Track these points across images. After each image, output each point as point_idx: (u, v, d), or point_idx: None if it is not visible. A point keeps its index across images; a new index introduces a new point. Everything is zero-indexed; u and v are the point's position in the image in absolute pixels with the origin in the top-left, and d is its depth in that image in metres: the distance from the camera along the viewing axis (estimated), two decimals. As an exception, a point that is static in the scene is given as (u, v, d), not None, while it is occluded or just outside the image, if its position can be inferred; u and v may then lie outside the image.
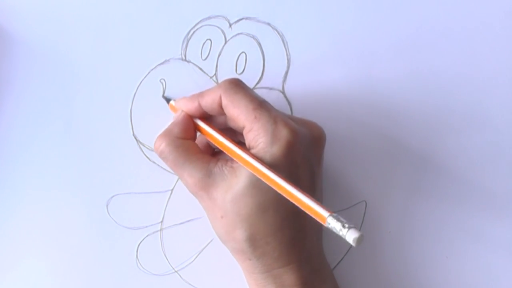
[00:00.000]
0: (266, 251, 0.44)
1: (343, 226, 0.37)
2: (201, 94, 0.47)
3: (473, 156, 0.52)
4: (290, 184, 0.41)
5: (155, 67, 0.53)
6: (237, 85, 0.46)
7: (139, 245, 0.52)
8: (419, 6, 0.53)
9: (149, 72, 0.53)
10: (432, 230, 0.52)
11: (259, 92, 0.52)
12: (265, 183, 0.42)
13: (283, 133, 0.43)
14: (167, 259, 0.52)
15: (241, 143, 0.47)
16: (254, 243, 0.43)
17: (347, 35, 0.53)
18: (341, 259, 0.52)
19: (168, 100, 0.51)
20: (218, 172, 0.45)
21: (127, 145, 0.53)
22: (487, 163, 0.52)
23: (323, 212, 0.39)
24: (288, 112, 0.53)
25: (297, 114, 0.52)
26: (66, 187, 0.52)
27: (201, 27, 0.54)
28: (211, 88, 0.47)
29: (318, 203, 0.40)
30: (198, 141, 0.49)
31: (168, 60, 0.53)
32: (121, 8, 0.54)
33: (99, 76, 0.53)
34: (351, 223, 0.38)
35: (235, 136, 0.48)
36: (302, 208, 0.40)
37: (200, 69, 0.53)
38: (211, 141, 0.47)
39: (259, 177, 0.42)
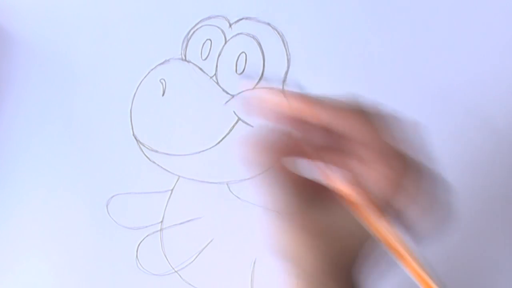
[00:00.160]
0: None
1: None
2: (316, 100, 0.36)
3: (473, 156, 0.52)
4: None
5: (155, 67, 0.53)
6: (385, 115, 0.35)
7: (139, 245, 0.52)
8: (419, 6, 0.53)
9: (149, 72, 0.53)
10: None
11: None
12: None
13: None
14: (167, 259, 0.52)
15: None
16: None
17: (347, 35, 0.53)
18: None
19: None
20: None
21: (127, 145, 0.53)
22: (487, 163, 0.52)
23: None
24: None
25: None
26: (66, 187, 0.52)
27: (201, 27, 0.53)
28: (337, 100, 0.37)
29: None
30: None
31: (168, 60, 0.53)
32: (121, 8, 0.54)
33: (99, 76, 0.53)
34: None
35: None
36: None
37: (200, 69, 0.53)
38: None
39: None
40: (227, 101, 0.53)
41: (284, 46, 0.53)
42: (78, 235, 0.52)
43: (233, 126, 0.53)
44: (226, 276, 0.51)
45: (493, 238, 0.52)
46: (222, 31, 0.53)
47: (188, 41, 0.53)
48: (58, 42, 0.53)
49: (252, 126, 0.53)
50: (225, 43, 0.53)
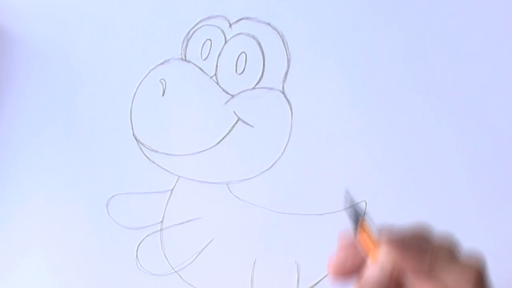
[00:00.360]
0: None
1: None
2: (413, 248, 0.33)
3: (473, 156, 0.52)
4: None
5: (155, 67, 0.53)
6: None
7: (139, 245, 0.52)
8: (419, 6, 0.53)
9: (149, 72, 0.53)
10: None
11: (259, 92, 0.52)
12: None
13: None
14: (167, 259, 0.52)
15: None
16: None
17: (347, 35, 0.53)
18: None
19: (357, 217, 0.34)
20: None
21: (127, 145, 0.53)
22: (487, 163, 0.52)
23: None
24: (288, 112, 0.53)
25: (297, 113, 0.52)
26: (66, 187, 0.52)
27: (201, 27, 0.53)
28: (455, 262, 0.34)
29: None
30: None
31: (168, 60, 0.53)
32: (121, 8, 0.54)
33: (99, 76, 0.53)
34: None
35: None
36: None
37: (200, 69, 0.53)
38: None
39: None
40: (227, 101, 0.53)
41: (284, 46, 0.53)
42: (78, 235, 0.52)
43: (233, 126, 0.53)
44: (226, 276, 0.51)
45: (494, 238, 0.52)
46: (222, 31, 0.53)
47: (188, 41, 0.53)
48: (58, 42, 0.53)
49: (252, 126, 0.53)
50: (225, 43, 0.53)
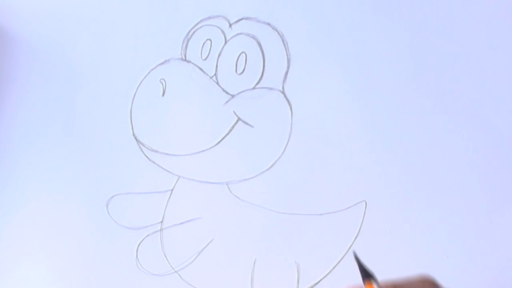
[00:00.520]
0: None
1: None
2: None
3: (473, 156, 0.52)
4: None
5: (155, 67, 0.53)
6: None
7: (139, 245, 0.52)
8: (419, 6, 0.53)
9: (149, 72, 0.53)
10: (432, 230, 0.52)
11: (259, 92, 0.52)
12: None
13: None
14: (167, 259, 0.52)
15: None
16: None
17: (347, 35, 0.53)
18: (341, 258, 0.52)
19: (365, 277, 0.38)
20: None
21: (127, 145, 0.53)
22: (487, 163, 0.52)
23: None
24: (288, 112, 0.53)
25: (297, 113, 0.52)
26: (67, 187, 0.52)
27: (201, 27, 0.53)
28: None
29: None
30: None
31: (168, 60, 0.53)
32: (121, 8, 0.54)
33: (99, 76, 0.53)
34: None
35: None
36: None
37: (200, 69, 0.53)
38: None
39: None
40: (227, 101, 0.53)
41: (284, 46, 0.53)
42: (78, 235, 0.52)
43: (233, 126, 0.53)
44: (226, 276, 0.51)
45: (493, 237, 0.52)
46: (222, 31, 0.53)
47: (188, 41, 0.53)
48: (58, 42, 0.53)
49: (252, 126, 0.53)
50: (225, 43, 0.53)
